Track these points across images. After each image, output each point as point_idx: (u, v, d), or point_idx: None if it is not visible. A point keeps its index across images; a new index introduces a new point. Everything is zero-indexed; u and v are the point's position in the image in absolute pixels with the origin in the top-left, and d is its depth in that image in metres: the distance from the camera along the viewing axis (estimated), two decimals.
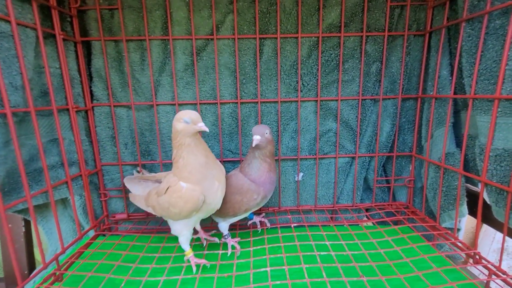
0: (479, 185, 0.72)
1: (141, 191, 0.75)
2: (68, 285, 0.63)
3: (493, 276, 0.61)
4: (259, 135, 0.68)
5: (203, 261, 0.68)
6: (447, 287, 0.57)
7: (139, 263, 0.70)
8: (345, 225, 0.85)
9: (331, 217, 0.95)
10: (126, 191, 0.87)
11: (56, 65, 0.72)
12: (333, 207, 0.94)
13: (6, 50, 0.58)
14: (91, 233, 0.84)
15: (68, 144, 0.76)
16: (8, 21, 0.57)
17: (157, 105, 0.85)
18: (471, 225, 1.63)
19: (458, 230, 0.80)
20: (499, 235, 1.46)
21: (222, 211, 0.73)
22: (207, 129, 0.59)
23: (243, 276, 0.65)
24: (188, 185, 0.62)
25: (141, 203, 0.74)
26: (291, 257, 0.70)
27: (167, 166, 0.90)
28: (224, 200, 0.70)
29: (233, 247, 0.75)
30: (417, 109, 0.88)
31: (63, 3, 0.74)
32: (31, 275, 0.61)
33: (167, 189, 0.64)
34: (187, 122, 0.58)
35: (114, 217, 0.92)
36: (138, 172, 0.85)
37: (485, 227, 1.61)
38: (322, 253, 0.71)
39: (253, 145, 0.68)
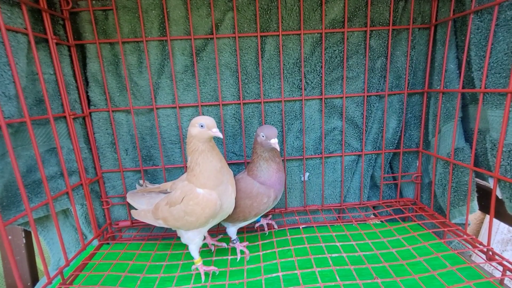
0: (489, 180, 0.71)
1: (146, 204, 0.72)
2: None
3: (508, 273, 0.60)
4: (275, 137, 0.66)
5: (212, 268, 0.66)
6: (464, 286, 0.56)
7: (147, 273, 0.68)
8: (353, 224, 0.84)
9: (339, 216, 0.93)
10: (130, 207, 0.84)
11: (50, 71, 0.69)
12: (341, 205, 0.93)
13: None
14: (95, 243, 0.82)
15: (67, 152, 0.73)
16: None
17: (157, 108, 0.82)
18: (473, 216, 1.64)
19: (468, 225, 0.79)
20: (502, 226, 1.47)
21: (231, 216, 0.71)
22: (221, 135, 0.59)
23: (255, 282, 0.63)
24: (205, 191, 0.61)
25: (147, 218, 0.71)
26: (302, 260, 0.69)
27: (170, 171, 0.88)
28: (234, 205, 0.68)
29: (242, 252, 0.73)
30: (423, 104, 0.86)
31: (54, 6, 0.71)
32: None
33: (183, 198, 0.62)
34: (202, 126, 0.58)
35: (118, 224, 0.89)
36: (141, 185, 0.82)
37: (488, 217, 1.62)
38: (333, 254, 0.70)
39: (278, 149, 0.67)
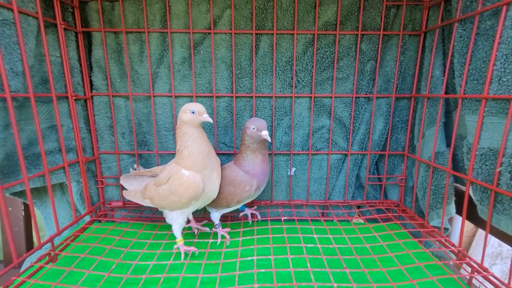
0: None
1: (137, 186, 0.77)
2: (61, 265, 0.65)
3: (475, 273, 0.62)
4: (266, 129, 0.71)
5: (192, 249, 0.70)
6: (428, 281, 0.59)
7: (131, 248, 0.72)
8: (334, 221, 0.87)
9: (322, 213, 0.96)
10: (123, 189, 0.89)
11: (56, 54, 0.75)
12: (325, 202, 0.96)
13: (8, 37, 0.60)
14: (87, 219, 0.87)
15: (66, 131, 0.78)
16: (11, 9, 0.59)
17: (154, 96, 0.87)
18: (466, 228, 1.63)
19: (447, 229, 0.81)
20: (493, 240, 1.46)
21: (215, 202, 0.75)
22: (211, 120, 0.65)
23: (230, 264, 0.67)
24: (190, 173, 0.65)
25: (136, 197, 0.76)
26: (278, 248, 0.72)
27: (163, 157, 0.92)
28: (218, 191, 0.72)
29: (222, 237, 0.77)
30: (410, 108, 0.88)
31: None
32: (25, 254, 0.63)
33: (169, 178, 0.66)
34: (193, 112, 0.63)
35: (110, 204, 0.94)
36: (135, 169, 0.87)
37: (481, 231, 1.61)
38: (308, 245, 0.73)
39: (269, 140, 0.71)
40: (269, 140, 0.71)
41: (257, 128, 0.70)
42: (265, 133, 0.70)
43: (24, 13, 0.63)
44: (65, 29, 0.75)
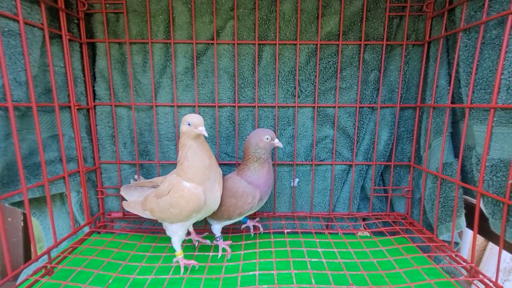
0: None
1: (137, 197, 0.76)
2: (57, 278, 0.63)
3: None
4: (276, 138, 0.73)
5: (192, 262, 0.68)
6: None
7: (129, 261, 0.70)
8: (339, 234, 0.84)
9: (327, 225, 0.93)
10: (123, 199, 0.88)
11: (61, 64, 0.75)
12: (329, 215, 0.93)
13: (13, 47, 0.60)
14: (86, 230, 0.85)
15: (68, 140, 0.78)
16: (16, 20, 0.60)
17: (156, 106, 0.87)
18: (478, 242, 1.58)
19: (457, 244, 0.77)
20: (505, 254, 1.40)
21: (217, 214, 0.73)
22: (206, 134, 0.62)
23: (231, 279, 0.64)
24: (191, 184, 0.64)
25: (136, 209, 0.74)
26: (281, 262, 0.69)
27: (165, 167, 0.91)
28: (220, 203, 0.70)
29: (223, 250, 0.74)
30: (416, 118, 0.87)
31: (71, 6, 0.78)
32: (21, 266, 0.62)
33: (170, 190, 0.65)
34: (189, 125, 0.62)
35: (110, 215, 0.92)
36: (136, 180, 0.86)
37: (491, 245, 1.56)
38: (313, 259, 0.70)
39: (282, 146, 0.75)
40: (282, 146, 0.74)
41: (271, 138, 0.71)
42: (277, 141, 0.72)
43: (30, 24, 0.64)
44: (70, 40, 0.76)
